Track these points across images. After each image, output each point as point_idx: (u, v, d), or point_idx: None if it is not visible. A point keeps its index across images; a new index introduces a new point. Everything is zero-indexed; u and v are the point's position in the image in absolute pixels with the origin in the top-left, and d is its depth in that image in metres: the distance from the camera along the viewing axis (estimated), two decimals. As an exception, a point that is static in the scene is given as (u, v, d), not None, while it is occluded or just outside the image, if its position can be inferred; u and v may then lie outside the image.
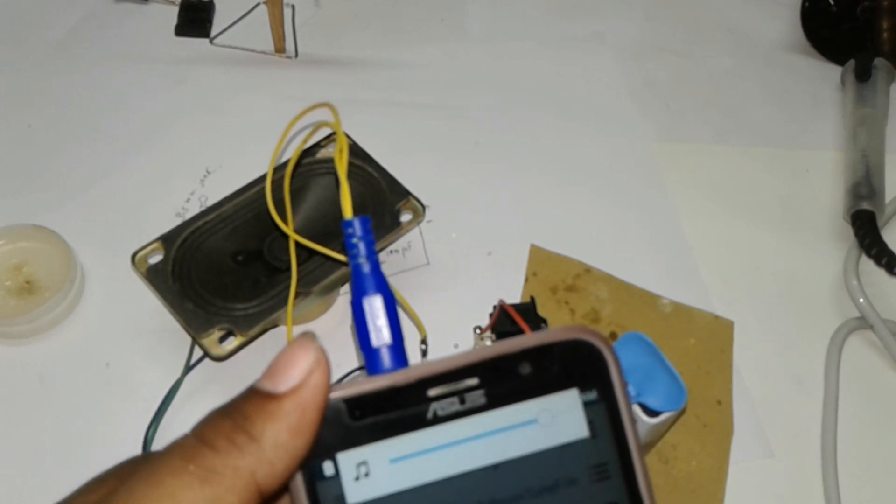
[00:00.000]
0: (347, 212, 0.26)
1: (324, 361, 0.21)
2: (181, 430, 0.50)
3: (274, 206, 0.44)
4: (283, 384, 0.21)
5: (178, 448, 0.20)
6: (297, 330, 0.51)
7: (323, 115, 0.36)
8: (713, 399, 0.50)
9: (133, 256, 0.49)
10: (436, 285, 0.54)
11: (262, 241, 0.51)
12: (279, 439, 0.20)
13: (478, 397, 0.22)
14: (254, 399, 0.21)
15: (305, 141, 0.41)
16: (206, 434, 0.20)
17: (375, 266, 0.25)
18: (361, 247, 0.25)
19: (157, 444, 0.46)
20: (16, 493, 0.45)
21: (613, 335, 0.52)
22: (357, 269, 0.25)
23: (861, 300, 0.54)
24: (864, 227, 0.56)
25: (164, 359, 0.49)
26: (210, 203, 0.52)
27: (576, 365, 0.23)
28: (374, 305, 0.24)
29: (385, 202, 0.52)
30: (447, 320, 0.51)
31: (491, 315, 0.46)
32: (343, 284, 0.53)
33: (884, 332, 0.53)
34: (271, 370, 0.21)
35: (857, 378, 0.52)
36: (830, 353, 0.52)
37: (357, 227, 0.25)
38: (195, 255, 0.50)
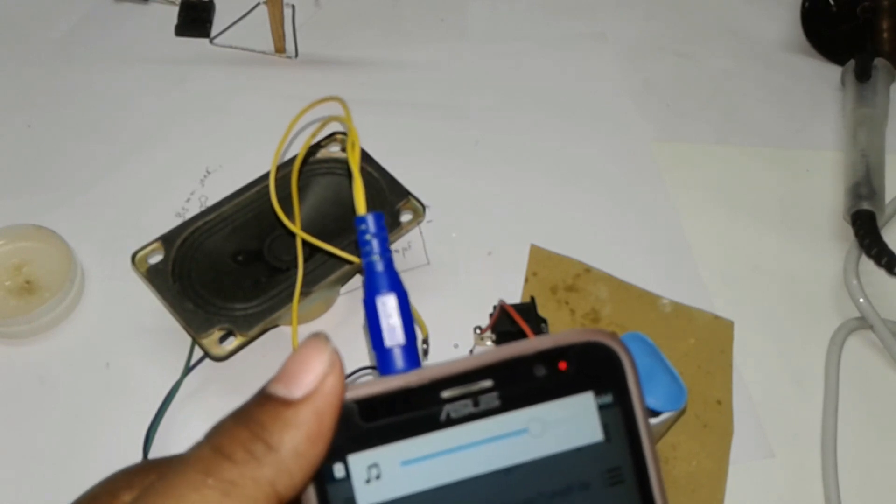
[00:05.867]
0: (361, 207, 0.25)
1: (338, 364, 0.21)
2: (181, 430, 0.50)
3: (278, 203, 0.44)
4: (297, 390, 0.20)
5: (195, 460, 0.20)
6: (299, 329, 0.51)
7: (327, 111, 0.36)
8: (713, 399, 0.50)
9: (133, 256, 0.49)
10: (436, 285, 0.54)
11: (262, 241, 0.51)
12: (298, 448, 0.20)
13: (492, 399, 0.22)
14: (268, 406, 0.20)
15: (314, 135, 0.41)
16: (222, 444, 0.20)
17: (389, 264, 0.24)
18: (375, 243, 0.24)
19: (157, 444, 0.46)
20: (16, 493, 0.45)
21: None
22: (370, 266, 0.24)
23: (861, 300, 0.54)
24: (864, 227, 0.56)
25: (164, 359, 0.49)
26: (210, 203, 0.52)
27: (592, 368, 0.22)
28: (388, 304, 0.23)
29: (385, 202, 0.52)
30: (447, 320, 0.51)
31: (491, 315, 0.46)
32: (344, 283, 0.53)
33: (884, 332, 0.53)
34: (284, 374, 0.21)
35: (857, 378, 0.52)
36: (830, 353, 0.52)
37: (371, 224, 0.24)
38: (195, 255, 0.50)
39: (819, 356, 0.53)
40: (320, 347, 0.21)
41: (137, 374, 0.49)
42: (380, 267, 0.24)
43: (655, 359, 0.42)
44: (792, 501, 0.48)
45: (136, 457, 0.46)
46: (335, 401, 0.20)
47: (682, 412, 0.48)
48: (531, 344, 0.22)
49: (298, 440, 0.20)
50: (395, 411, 0.21)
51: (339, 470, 0.21)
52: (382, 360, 0.23)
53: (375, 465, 0.21)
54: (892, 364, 0.53)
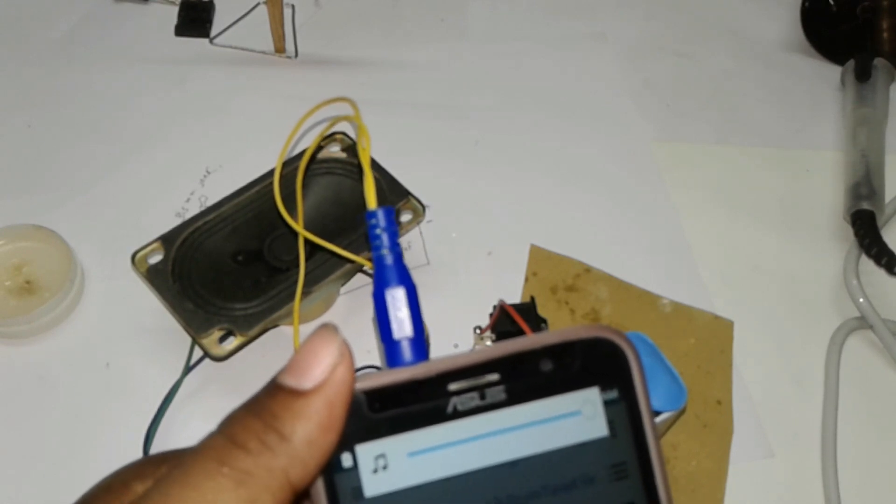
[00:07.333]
0: (372, 202, 0.26)
1: (348, 354, 0.21)
2: (181, 430, 0.50)
3: (282, 201, 0.44)
4: (308, 380, 0.20)
5: (209, 449, 0.20)
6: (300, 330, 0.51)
7: (333, 111, 0.37)
8: (713, 399, 0.50)
9: (133, 256, 0.49)
10: (436, 285, 0.54)
11: (262, 241, 0.51)
12: (310, 438, 0.20)
13: (498, 393, 0.22)
14: (280, 396, 0.21)
15: (323, 134, 0.41)
16: (236, 434, 0.20)
17: (398, 257, 0.25)
18: (384, 238, 0.25)
19: (157, 444, 0.46)
20: (16, 493, 0.45)
21: (613, 335, 0.52)
22: (380, 260, 0.25)
23: (861, 300, 0.54)
24: (864, 227, 0.56)
25: (164, 359, 0.49)
26: (210, 203, 0.52)
27: (597, 363, 0.23)
28: (397, 297, 0.24)
29: (385, 202, 0.52)
30: (447, 320, 0.51)
31: (491, 315, 0.47)
32: (344, 283, 0.53)
33: (884, 332, 0.53)
34: (295, 365, 0.21)
35: (857, 378, 0.52)
36: (830, 353, 0.52)
37: (381, 218, 0.25)
38: (195, 255, 0.50)
39: (819, 356, 0.53)
40: (330, 338, 0.21)
41: (137, 374, 0.49)
42: (389, 260, 0.25)
43: (655, 359, 0.42)
44: (792, 501, 0.48)
45: (136, 457, 0.45)
46: (345, 390, 0.21)
47: (682, 412, 0.48)
48: (538, 339, 0.23)
49: (310, 430, 0.20)
50: (402, 403, 0.22)
51: (346, 460, 0.21)
52: (391, 353, 0.24)
53: (382, 456, 0.21)
54: (892, 364, 0.53)
